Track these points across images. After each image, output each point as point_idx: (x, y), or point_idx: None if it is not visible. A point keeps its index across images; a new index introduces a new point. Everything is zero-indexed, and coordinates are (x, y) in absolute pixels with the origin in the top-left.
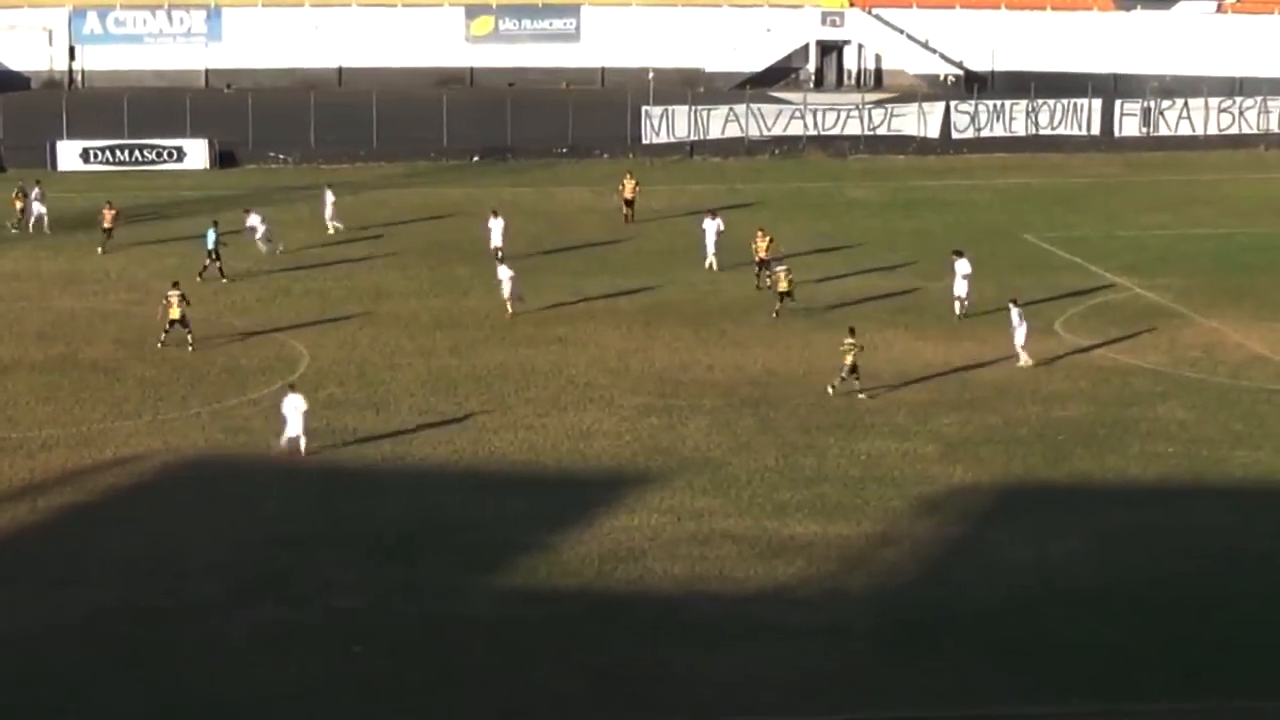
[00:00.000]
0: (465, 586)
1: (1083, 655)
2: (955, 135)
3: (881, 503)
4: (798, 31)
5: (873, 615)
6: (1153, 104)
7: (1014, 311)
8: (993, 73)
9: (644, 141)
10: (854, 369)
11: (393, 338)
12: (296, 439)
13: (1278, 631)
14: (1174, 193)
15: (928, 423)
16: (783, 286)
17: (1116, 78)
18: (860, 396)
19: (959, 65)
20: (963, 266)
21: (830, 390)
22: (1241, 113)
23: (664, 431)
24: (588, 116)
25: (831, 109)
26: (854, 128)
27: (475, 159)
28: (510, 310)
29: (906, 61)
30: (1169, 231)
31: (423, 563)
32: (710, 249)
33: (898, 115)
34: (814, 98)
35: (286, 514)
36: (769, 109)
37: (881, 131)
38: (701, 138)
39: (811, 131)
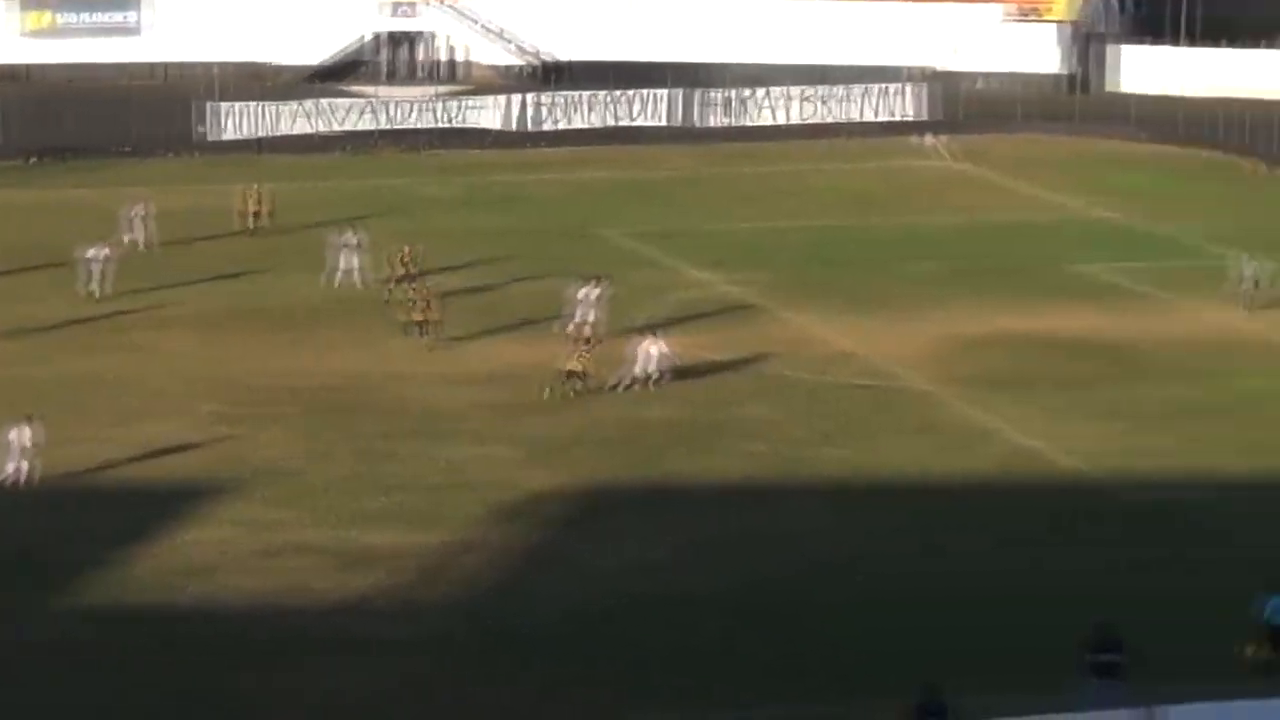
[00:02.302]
0: (25, 608)
1: (675, 663)
2: (532, 128)
3: (463, 510)
4: (369, 22)
5: (455, 627)
6: (734, 94)
7: (650, 342)
8: (570, 63)
9: (210, 139)
10: (572, 374)
11: None
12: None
13: (869, 636)
14: (757, 185)
15: (510, 426)
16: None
17: (697, 67)
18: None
19: (535, 55)
20: (590, 292)
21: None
22: (824, 102)
23: (240, 440)
24: (150, 114)
25: (405, 102)
26: (428, 121)
27: (33, 160)
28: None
29: (481, 52)
30: (752, 225)
31: None
32: (343, 264)
33: (472, 108)
34: (386, 91)
35: None
36: (340, 103)
37: (456, 125)
38: (270, 134)
39: (385, 126)
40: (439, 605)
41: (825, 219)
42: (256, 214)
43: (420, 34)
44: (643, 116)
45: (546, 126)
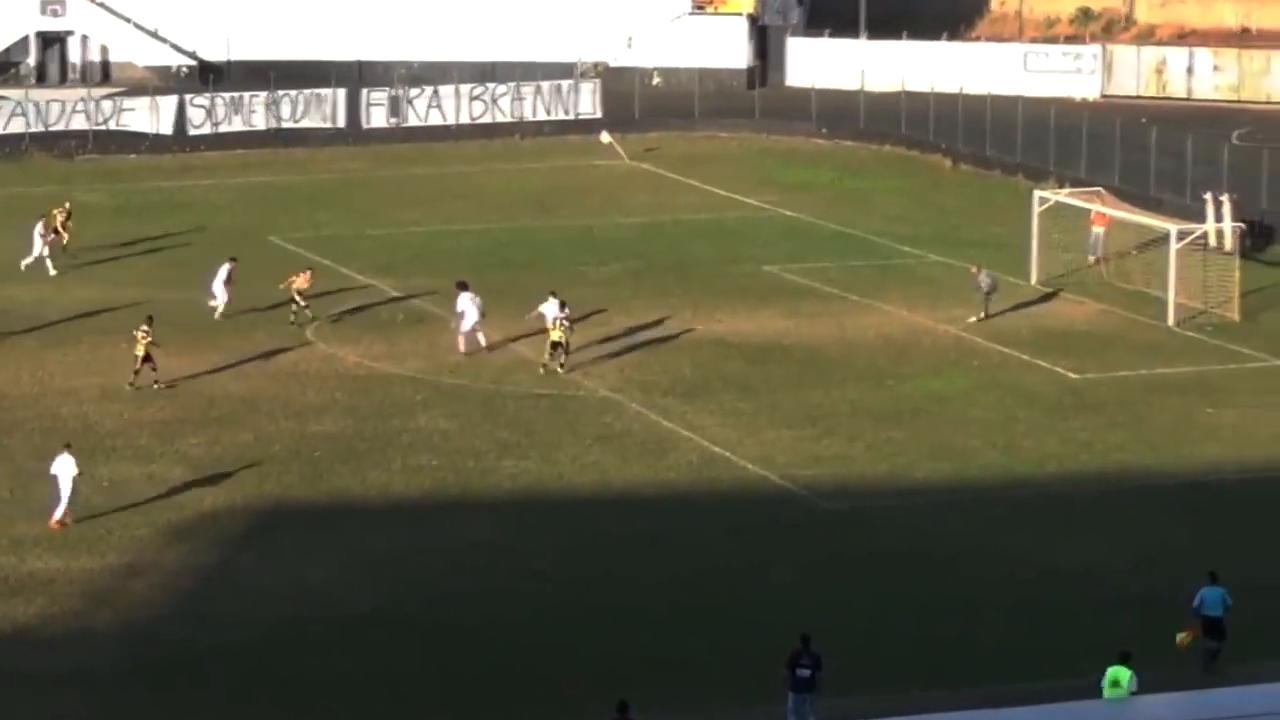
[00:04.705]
0: None
1: (353, 684)
2: (192, 131)
3: (127, 532)
4: (17, 23)
5: (124, 654)
6: (401, 93)
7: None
8: (229, 62)
9: None
10: (556, 345)
11: None
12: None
13: (553, 653)
14: (427, 187)
15: (174, 443)
16: (555, 337)
17: (361, 65)
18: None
19: (192, 55)
20: (464, 302)
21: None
22: (494, 100)
23: None
24: None
25: (55, 103)
26: (81, 124)
27: None
28: None
29: (135, 52)
30: (423, 229)
31: None
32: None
33: (127, 110)
34: (37, 93)
35: None
36: None
37: (112, 127)
38: None
39: (35, 129)
40: (106, 632)
41: (500, 221)
42: (57, 232)
43: (71, 33)
44: (306, 118)
45: (206, 129)
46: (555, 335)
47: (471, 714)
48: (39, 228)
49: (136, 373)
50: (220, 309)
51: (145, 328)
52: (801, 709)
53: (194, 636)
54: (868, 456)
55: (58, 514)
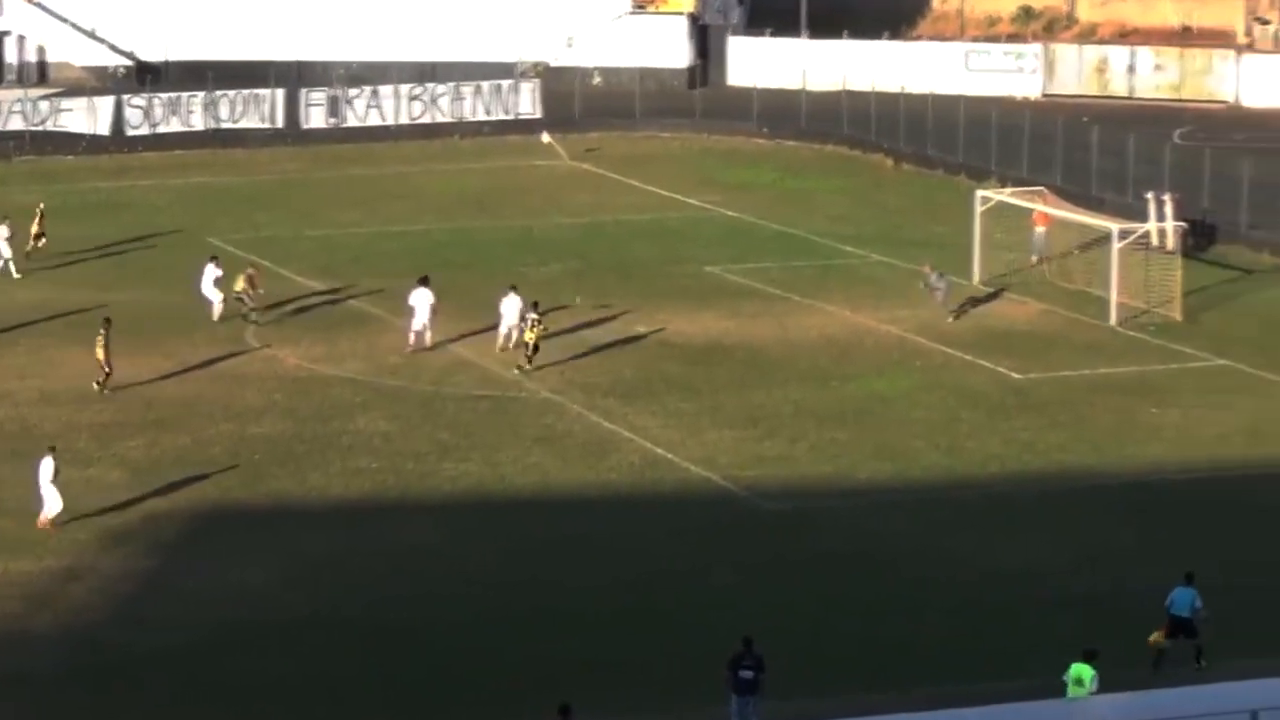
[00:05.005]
0: None
1: (292, 687)
2: (129, 132)
3: (66, 535)
4: None
5: (63, 658)
6: (340, 93)
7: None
8: (167, 62)
9: None
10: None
11: None
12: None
13: (493, 656)
14: (366, 188)
15: (112, 446)
16: (528, 338)
17: (300, 65)
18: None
19: (130, 55)
20: (416, 298)
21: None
22: (434, 100)
23: None
24: None
25: None
26: (17, 125)
27: None
28: None
29: (72, 52)
30: (363, 230)
31: None
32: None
33: (64, 111)
34: None
35: None
36: None
37: (49, 128)
38: None
39: None
40: (45, 636)
41: (440, 222)
42: (39, 235)
43: (8, 33)
44: (245, 118)
45: (144, 130)
46: (528, 336)
47: (411, 717)
48: (3, 231)
49: (108, 375)
50: (220, 310)
51: (102, 331)
52: (744, 711)
53: (133, 640)
54: (810, 457)
55: (47, 513)
